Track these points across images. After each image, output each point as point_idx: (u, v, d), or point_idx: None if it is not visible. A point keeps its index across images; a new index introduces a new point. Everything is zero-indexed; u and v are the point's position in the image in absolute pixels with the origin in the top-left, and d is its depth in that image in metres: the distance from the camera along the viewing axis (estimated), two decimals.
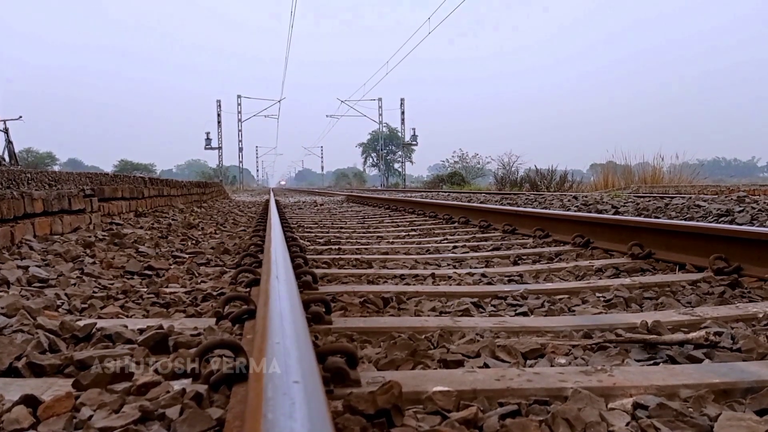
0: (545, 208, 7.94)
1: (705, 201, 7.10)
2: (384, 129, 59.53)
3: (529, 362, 1.63)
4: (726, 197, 7.84)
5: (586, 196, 10.13)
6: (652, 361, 1.60)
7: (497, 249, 4.22)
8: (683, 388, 1.34)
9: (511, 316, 2.22)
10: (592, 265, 3.23)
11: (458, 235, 5.38)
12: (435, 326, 1.95)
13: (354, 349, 1.40)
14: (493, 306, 2.38)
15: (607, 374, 1.42)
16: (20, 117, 22.36)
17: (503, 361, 1.62)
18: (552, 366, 1.58)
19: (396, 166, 68.37)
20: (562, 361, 1.62)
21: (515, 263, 3.54)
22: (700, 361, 1.58)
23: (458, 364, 1.59)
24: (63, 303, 2.30)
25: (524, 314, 2.24)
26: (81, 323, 1.86)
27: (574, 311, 2.26)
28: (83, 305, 2.29)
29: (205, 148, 51.31)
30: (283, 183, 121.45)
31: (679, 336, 1.73)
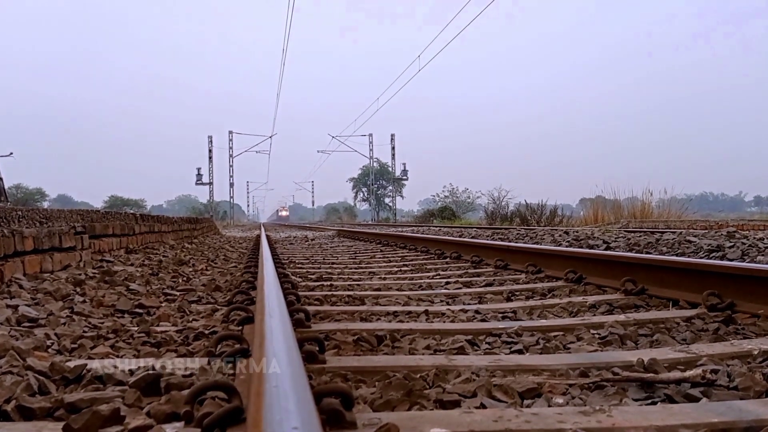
0: (537, 243, 7.96)
1: (695, 236, 7.15)
2: (375, 164, 59.88)
3: (526, 402, 1.62)
4: (716, 232, 7.90)
5: (577, 231, 10.17)
6: (650, 401, 1.59)
7: (490, 285, 4.22)
8: (682, 428, 1.33)
9: (506, 353, 2.20)
10: (586, 301, 3.22)
11: (450, 270, 5.37)
12: (430, 365, 1.93)
13: (349, 390, 1.38)
14: (488, 343, 2.36)
15: (606, 414, 1.40)
16: (11, 153, 22.39)
17: (500, 401, 1.60)
18: (550, 406, 1.57)
19: (387, 200, 68.54)
20: (560, 400, 1.61)
21: (508, 299, 3.53)
22: (697, 399, 1.57)
23: (455, 404, 1.57)
24: (53, 343, 2.26)
25: (519, 352, 2.22)
26: (71, 364, 1.83)
27: (569, 349, 2.25)
28: (73, 345, 2.25)
29: (196, 184, 51.42)
30: (283, 214, 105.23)
31: (675, 374, 1.72)
